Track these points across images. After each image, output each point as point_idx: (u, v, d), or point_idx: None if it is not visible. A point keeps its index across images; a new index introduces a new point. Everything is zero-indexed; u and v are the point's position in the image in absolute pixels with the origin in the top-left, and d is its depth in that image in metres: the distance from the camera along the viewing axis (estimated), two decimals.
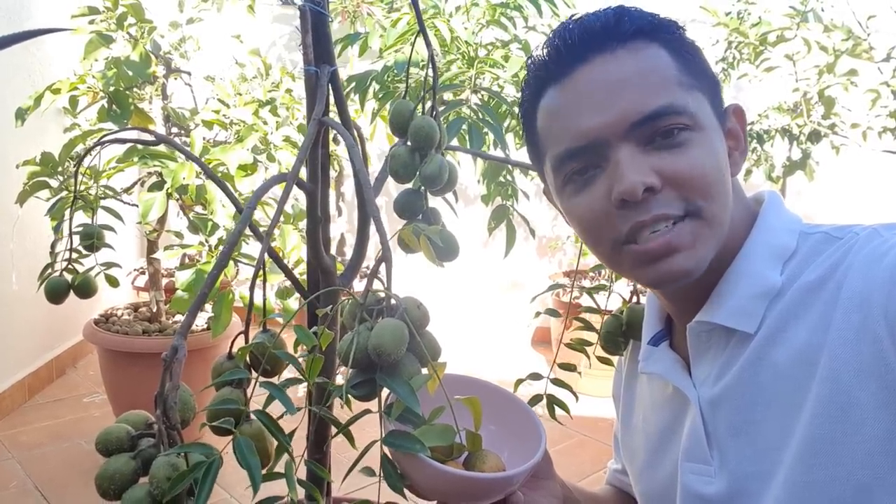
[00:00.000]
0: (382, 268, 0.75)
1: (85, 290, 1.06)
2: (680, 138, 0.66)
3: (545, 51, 0.73)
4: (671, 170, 0.66)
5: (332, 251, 3.83)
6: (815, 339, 0.63)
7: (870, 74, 2.64)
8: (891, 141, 2.70)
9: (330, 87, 0.98)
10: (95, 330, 2.52)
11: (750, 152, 3.05)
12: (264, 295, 0.91)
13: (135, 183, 2.49)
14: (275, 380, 0.77)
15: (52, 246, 1.09)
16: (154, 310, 2.67)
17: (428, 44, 0.93)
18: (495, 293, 3.99)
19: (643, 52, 0.68)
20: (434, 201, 1.01)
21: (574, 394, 0.91)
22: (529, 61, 0.75)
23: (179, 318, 2.65)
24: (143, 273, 3.44)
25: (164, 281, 2.83)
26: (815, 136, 2.75)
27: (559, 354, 0.99)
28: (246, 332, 0.82)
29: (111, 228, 1.10)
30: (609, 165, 0.68)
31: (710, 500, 0.72)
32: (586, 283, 3.53)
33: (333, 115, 1.02)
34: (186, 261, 2.73)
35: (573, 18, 0.72)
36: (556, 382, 0.90)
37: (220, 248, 1.94)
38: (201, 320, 2.61)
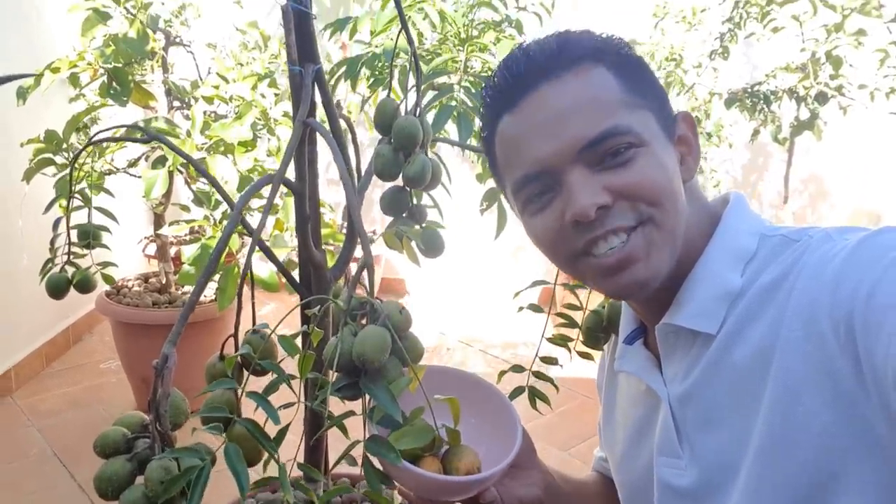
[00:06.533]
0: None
1: (84, 286, 1.10)
2: (627, 155, 0.69)
3: (496, 80, 0.75)
4: (620, 183, 0.69)
5: None
6: (768, 339, 0.66)
7: (878, 35, 2.59)
8: None
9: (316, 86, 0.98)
10: (107, 302, 2.57)
11: (757, 112, 3.02)
12: (253, 283, 0.94)
13: (140, 157, 2.51)
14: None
15: (52, 242, 1.12)
16: (164, 281, 2.72)
17: (410, 42, 0.93)
18: (503, 256, 4.02)
19: (588, 75, 0.71)
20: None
21: (555, 386, 0.94)
22: (483, 90, 0.78)
23: (189, 288, 2.69)
24: (153, 241, 3.49)
25: (174, 249, 2.86)
26: (821, 98, 2.71)
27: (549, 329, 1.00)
28: (235, 335, 0.85)
29: (107, 229, 1.13)
30: (563, 189, 0.71)
31: (682, 491, 0.75)
32: None
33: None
34: (197, 228, 2.76)
35: (520, 47, 0.74)
36: (538, 375, 0.92)
37: (224, 222, 1.96)
38: (209, 291, 2.66)
